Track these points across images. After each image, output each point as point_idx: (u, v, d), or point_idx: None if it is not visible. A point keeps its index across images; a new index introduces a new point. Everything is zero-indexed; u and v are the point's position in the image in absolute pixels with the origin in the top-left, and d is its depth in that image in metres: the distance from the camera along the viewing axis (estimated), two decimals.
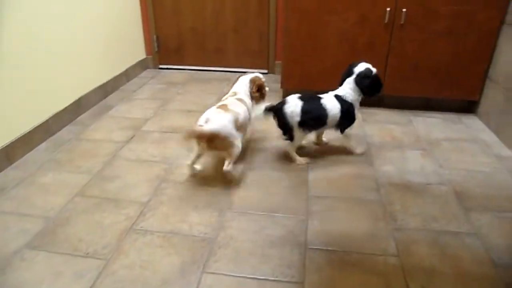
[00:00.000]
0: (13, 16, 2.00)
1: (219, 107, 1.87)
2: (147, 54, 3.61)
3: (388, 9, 2.46)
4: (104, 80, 2.92)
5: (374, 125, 2.51)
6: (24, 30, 2.09)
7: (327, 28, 2.56)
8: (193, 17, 3.42)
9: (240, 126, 1.84)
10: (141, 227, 1.59)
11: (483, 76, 2.59)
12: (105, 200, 1.75)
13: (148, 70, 3.62)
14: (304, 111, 1.92)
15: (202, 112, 1.85)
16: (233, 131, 1.78)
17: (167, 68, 3.65)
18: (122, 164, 2.04)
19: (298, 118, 1.92)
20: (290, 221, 1.61)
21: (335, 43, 2.60)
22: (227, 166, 1.78)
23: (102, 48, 2.89)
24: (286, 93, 2.91)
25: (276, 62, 3.43)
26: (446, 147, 2.25)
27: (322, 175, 1.94)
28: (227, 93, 2.12)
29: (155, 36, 3.52)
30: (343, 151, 2.16)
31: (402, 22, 2.49)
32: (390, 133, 2.40)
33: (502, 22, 2.45)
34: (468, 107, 2.75)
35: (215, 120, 1.75)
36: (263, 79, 2.15)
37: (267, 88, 2.17)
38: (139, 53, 3.52)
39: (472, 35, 2.49)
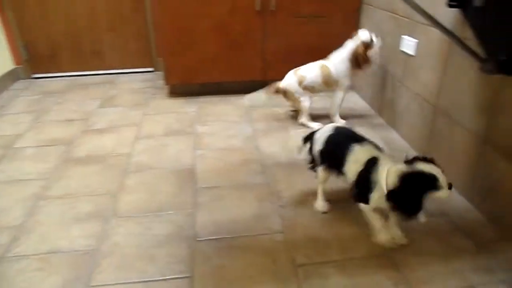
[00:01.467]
0: None
1: (295, 70, 2.33)
2: (16, 64, 3.27)
3: None
4: None
5: (259, 110, 2.57)
6: None
7: (200, 19, 2.55)
8: (64, 20, 3.17)
9: (305, 87, 2.28)
10: (15, 253, 1.44)
11: None
12: None
13: (20, 81, 3.29)
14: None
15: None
16: (298, 89, 2.28)
17: (42, 77, 3.35)
18: None
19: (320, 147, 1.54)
20: (178, 216, 1.58)
21: (211, 33, 2.60)
22: (299, 120, 2.34)
23: None
24: (173, 89, 2.87)
25: (160, 58, 3.34)
26: (325, 121, 2.38)
27: (209, 166, 1.94)
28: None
29: (22, 44, 3.21)
30: (232, 141, 2.19)
31: (273, 9, 2.57)
32: (275, 116, 2.49)
33: (361, 2, 2.66)
34: None
35: (285, 79, 2.32)
36: (368, 40, 2.18)
37: (372, 52, 2.20)
38: (6, 63, 3.18)
39: (338, 15, 2.67)
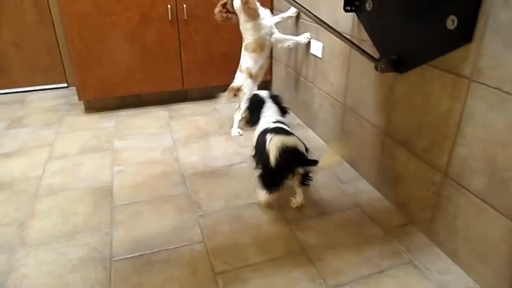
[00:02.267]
0: None
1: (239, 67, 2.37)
2: None
3: (169, 6, 2.50)
4: None
5: (179, 120, 2.55)
6: None
7: (111, 30, 2.48)
8: None
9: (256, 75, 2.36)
10: None
11: (270, 57, 2.87)
12: None
13: None
14: None
15: None
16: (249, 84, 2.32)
17: None
18: None
19: None
20: (93, 238, 1.52)
21: (124, 44, 2.54)
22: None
23: None
24: (89, 104, 2.75)
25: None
26: (246, 127, 2.42)
27: (128, 182, 1.89)
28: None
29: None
30: (152, 153, 2.15)
31: (185, 18, 2.57)
32: (196, 124, 2.48)
33: (271, 9, 2.75)
34: (265, 87, 3.01)
35: (236, 78, 2.36)
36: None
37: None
38: None
39: None
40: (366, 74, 1.77)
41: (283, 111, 1.88)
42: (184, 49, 2.66)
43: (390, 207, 1.69)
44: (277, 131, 1.63)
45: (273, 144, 1.53)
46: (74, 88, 3.17)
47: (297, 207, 1.67)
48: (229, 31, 2.70)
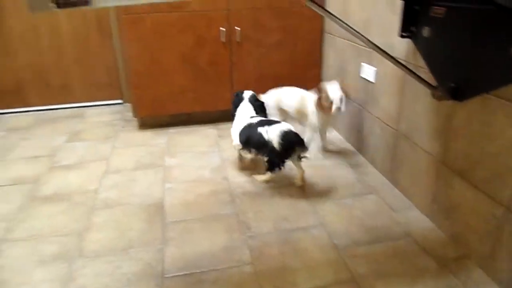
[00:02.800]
0: None
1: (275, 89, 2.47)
2: None
3: (223, 29, 2.59)
4: None
5: (228, 139, 2.58)
6: None
7: (167, 52, 2.59)
8: (28, 54, 3.15)
9: (280, 109, 2.44)
10: None
11: (319, 79, 2.89)
12: None
13: None
14: None
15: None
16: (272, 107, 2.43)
17: (7, 113, 3.29)
18: None
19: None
20: (146, 253, 1.57)
21: (179, 65, 2.64)
22: None
23: None
24: (143, 121, 2.87)
25: (129, 91, 3.35)
26: None
27: (178, 199, 1.94)
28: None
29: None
30: (201, 172, 2.20)
31: (238, 40, 2.65)
32: None
33: (322, 31, 2.77)
34: None
35: (265, 95, 2.46)
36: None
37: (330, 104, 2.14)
38: None
39: (301, 44, 2.76)
40: (421, 100, 1.73)
41: (259, 109, 2.19)
42: (236, 70, 2.73)
43: (444, 238, 1.63)
44: (266, 122, 1.97)
45: (274, 133, 1.88)
46: (128, 104, 3.33)
47: (301, 184, 2.02)
48: (280, 54, 2.75)
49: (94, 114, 3.20)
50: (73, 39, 3.17)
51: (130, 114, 3.09)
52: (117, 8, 2.84)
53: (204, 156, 2.38)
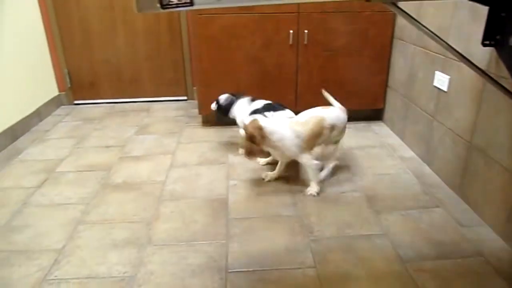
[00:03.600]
0: None
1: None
2: (60, 90, 3.47)
3: (291, 31, 2.61)
4: (12, 122, 2.76)
5: None
6: None
7: (235, 52, 2.65)
8: (105, 49, 3.36)
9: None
10: (55, 276, 1.50)
11: (385, 86, 2.83)
12: (14, 253, 1.64)
13: (63, 107, 3.47)
14: None
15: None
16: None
17: (82, 104, 3.53)
18: (33, 211, 1.92)
19: None
20: (210, 247, 1.62)
21: (246, 65, 2.69)
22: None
23: (7, 88, 2.73)
24: (206, 118, 2.96)
25: (194, 88, 3.46)
26: (357, 155, 2.40)
27: (241, 197, 1.98)
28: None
29: (66, 71, 3.40)
30: (262, 172, 2.23)
31: (305, 42, 2.65)
32: None
33: (392, 37, 2.70)
34: (375, 115, 2.97)
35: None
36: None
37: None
38: (51, 90, 3.37)
39: (369, 49, 2.72)
40: (502, 113, 1.64)
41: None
42: (301, 72, 2.73)
43: None
44: (272, 107, 2.20)
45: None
46: (192, 101, 3.44)
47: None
48: (346, 58, 2.72)
49: (160, 109, 3.34)
50: (145, 37, 3.33)
51: (194, 111, 3.20)
52: None
53: None
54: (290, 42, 2.64)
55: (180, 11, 0.85)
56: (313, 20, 2.61)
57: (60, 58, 3.36)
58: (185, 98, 3.52)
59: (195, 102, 3.36)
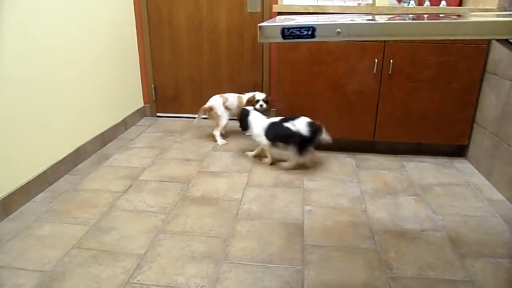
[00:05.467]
0: (13, 68, 2.09)
1: (220, 95, 3.09)
2: (145, 102, 3.71)
3: (376, 60, 2.58)
4: (102, 129, 2.99)
5: (366, 171, 2.55)
6: (22, 84, 2.17)
7: (318, 78, 2.68)
8: (190, 67, 3.55)
9: (226, 107, 3.04)
10: (138, 280, 1.58)
11: (471, 121, 2.68)
12: (102, 252, 1.76)
13: (146, 118, 3.70)
14: None
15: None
16: (220, 108, 3.03)
17: (164, 116, 3.73)
18: (119, 215, 2.06)
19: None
20: (286, 271, 1.61)
21: (326, 91, 2.70)
22: (214, 131, 3.09)
23: (101, 98, 2.98)
24: None
25: (272, 110, 3.52)
26: (439, 192, 2.29)
27: (317, 224, 1.96)
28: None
29: (153, 86, 3.64)
30: (339, 200, 2.20)
31: (390, 72, 2.61)
32: (383, 179, 2.45)
33: (484, 71, 2.57)
34: (458, 151, 2.82)
35: (210, 100, 3.07)
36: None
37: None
38: (137, 102, 3.62)
39: (456, 82, 2.60)
40: None
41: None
42: (382, 102, 2.68)
43: None
44: (288, 119, 2.53)
45: (301, 124, 2.45)
46: None
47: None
48: (431, 91, 2.63)
49: (237, 127, 3.43)
50: (228, 57, 3.47)
51: None
52: None
53: (342, 184, 2.37)
54: (374, 71, 2.61)
55: (300, 42, 0.89)
56: (400, 50, 2.57)
57: (148, 74, 3.61)
58: None
59: None
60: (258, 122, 2.63)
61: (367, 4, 2.98)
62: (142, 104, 3.69)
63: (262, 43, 3.38)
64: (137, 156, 2.82)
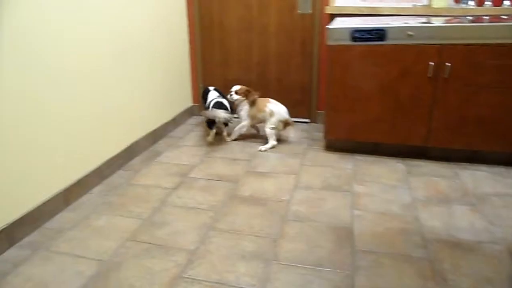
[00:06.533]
0: (78, 67, 2.22)
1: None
2: (194, 102, 3.80)
3: (432, 63, 2.49)
4: (154, 127, 3.09)
5: (419, 177, 2.48)
6: (83, 82, 2.29)
7: (370, 80, 2.62)
8: (239, 69, 3.59)
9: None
10: (189, 275, 1.63)
11: None
12: (155, 246, 1.82)
13: (194, 117, 3.78)
14: None
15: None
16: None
17: None
18: (171, 210, 2.12)
19: None
20: (336, 276, 1.60)
21: (378, 94, 2.64)
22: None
23: (154, 97, 3.09)
24: (329, 143, 2.97)
25: (318, 111, 3.50)
26: (496, 203, 2.18)
27: (367, 229, 1.93)
28: None
29: (201, 86, 3.72)
30: (389, 206, 2.15)
31: (446, 76, 2.51)
32: (435, 186, 2.36)
33: None
34: None
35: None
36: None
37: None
38: (187, 101, 3.71)
39: None
40: None
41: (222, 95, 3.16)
42: (437, 107, 2.59)
43: None
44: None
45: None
46: (315, 124, 3.48)
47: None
48: (491, 96, 2.51)
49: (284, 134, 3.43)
50: (277, 58, 3.48)
51: (316, 134, 3.23)
52: (323, 34, 3.01)
53: (393, 190, 2.31)
54: (429, 74, 2.52)
55: (369, 44, 0.88)
56: (458, 53, 2.46)
57: (198, 74, 3.69)
58: (307, 120, 3.58)
59: (318, 125, 3.40)
60: (209, 99, 3.10)
61: (423, 5, 2.88)
62: (191, 104, 3.78)
63: (312, 44, 3.36)
64: (186, 154, 2.89)
